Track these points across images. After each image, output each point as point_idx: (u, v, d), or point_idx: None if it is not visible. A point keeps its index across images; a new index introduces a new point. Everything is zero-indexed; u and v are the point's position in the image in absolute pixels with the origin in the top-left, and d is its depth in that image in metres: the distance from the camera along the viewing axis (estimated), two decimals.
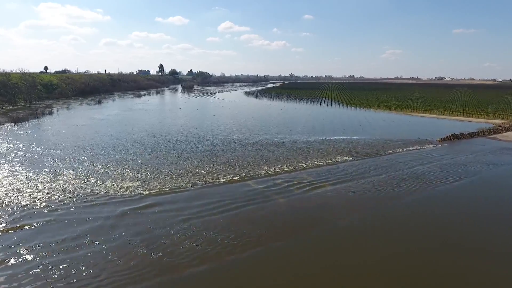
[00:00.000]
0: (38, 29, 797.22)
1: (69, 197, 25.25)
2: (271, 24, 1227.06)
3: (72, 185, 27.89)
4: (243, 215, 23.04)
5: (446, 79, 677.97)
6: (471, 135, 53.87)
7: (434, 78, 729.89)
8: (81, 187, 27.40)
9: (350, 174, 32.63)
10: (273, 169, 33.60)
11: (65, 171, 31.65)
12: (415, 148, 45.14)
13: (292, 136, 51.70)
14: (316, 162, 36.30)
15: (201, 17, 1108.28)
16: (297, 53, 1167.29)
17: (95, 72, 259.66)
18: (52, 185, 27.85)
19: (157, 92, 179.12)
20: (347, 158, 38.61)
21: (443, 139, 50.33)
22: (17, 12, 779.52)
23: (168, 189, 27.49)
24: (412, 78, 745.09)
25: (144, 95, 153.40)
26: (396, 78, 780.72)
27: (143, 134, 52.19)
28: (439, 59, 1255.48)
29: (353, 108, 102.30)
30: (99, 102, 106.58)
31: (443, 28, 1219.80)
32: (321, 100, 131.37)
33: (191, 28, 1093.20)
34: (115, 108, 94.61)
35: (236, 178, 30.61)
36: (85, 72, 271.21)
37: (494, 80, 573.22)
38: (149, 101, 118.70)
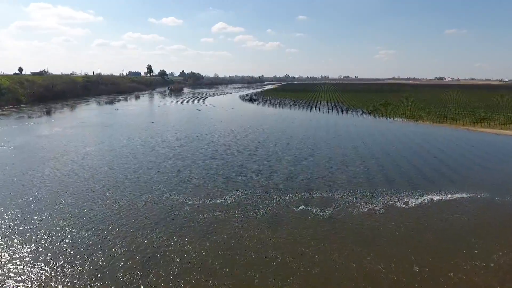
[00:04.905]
0: (29, 30, 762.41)
1: None
2: (265, 25, 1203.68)
3: None
4: None
5: (447, 79, 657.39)
6: None
7: (434, 78, 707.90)
8: None
9: None
10: None
11: None
12: None
13: (341, 197, 26.26)
14: None
15: (195, 18, 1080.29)
16: (291, 54, 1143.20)
17: (83, 73, 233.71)
18: None
19: (137, 97, 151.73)
20: None
21: None
22: (6, 12, 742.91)
23: None
24: (409, 79, 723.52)
25: (119, 100, 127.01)
26: (393, 78, 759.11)
27: (51, 189, 26.45)
28: (433, 59, 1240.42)
29: (383, 118, 77.43)
30: (48, 112, 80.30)
31: (436, 28, 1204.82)
32: (332, 106, 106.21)
33: (184, 29, 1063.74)
34: (63, 122, 68.21)
35: None
36: (71, 73, 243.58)
37: (501, 80, 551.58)
38: (118, 110, 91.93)
